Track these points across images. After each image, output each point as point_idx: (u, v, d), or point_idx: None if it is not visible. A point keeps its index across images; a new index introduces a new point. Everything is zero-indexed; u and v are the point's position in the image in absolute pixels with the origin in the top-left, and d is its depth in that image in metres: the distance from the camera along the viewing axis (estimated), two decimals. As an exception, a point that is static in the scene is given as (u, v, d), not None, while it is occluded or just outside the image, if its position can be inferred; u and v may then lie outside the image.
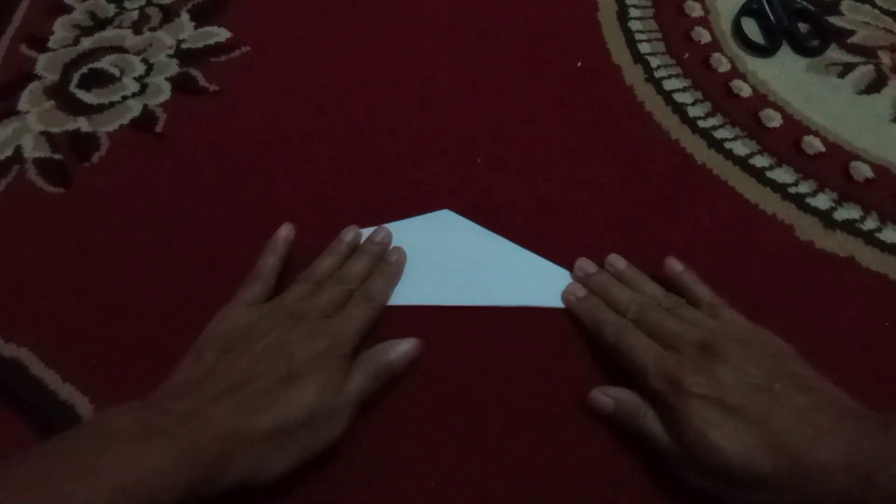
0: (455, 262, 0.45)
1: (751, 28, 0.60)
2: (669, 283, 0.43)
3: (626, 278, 0.43)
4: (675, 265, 0.43)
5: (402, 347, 0.39)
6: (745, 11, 0.61)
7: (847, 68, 0.57)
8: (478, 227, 0.47)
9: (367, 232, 0.46)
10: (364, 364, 0.37)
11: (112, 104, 0.54)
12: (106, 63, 0.57)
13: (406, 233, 0.46)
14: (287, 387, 0.34)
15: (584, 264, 0.44)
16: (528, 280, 0.45)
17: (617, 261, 0.44)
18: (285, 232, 0.44)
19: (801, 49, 0.58)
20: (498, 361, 0.42)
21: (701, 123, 0.53)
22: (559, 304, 0.43)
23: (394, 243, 0.46)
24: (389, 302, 0.43)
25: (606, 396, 0.38)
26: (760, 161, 0.51)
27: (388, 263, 0.44)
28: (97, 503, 0.27)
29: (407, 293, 0.44)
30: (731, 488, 0.33)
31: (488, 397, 0.40)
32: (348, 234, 0.45)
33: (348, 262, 0.43)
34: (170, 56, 0.58)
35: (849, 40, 0.59)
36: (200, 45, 0.59)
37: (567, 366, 0.41)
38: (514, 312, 0.43)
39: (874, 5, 0.62)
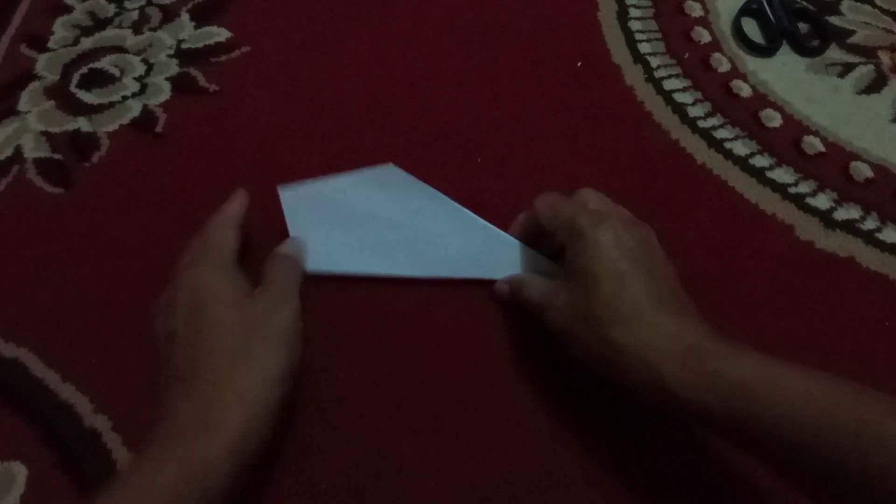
0: (399, 226, 0.44)
1: (751, 28, 0.60)
2: None
3: None
4: None
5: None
6: (745, 11, 0.61)
7: (847, 68, 0.57)
8: (426, 185, 0.45)
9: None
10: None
11: (112, 104, 0.54)
12: (106, 63, 0.57)
13: (346, 190, 0.45)
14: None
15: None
16: (479, 250, 0.44)
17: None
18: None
19: (801, 49, 0.58)
20: (497, 359, 0.42)
21: (701, 123, 0.53)
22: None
23: (332, 201, 0.45)
24: (321, 268, 0.43)
25: (504, 282, 0.42)
26: (760, 161, 0.51)
27: None
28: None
29: (343, 259, 0.43)
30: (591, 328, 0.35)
31: (488, 396, 0.40)
32: None
33: None
34: (170, 56, 0.58)
35: (849, 40, 0.59)
36: (200, 45, 0.59)
37: (567, 365, 0.41)
38: (517, 312, 0.43)
39: (874, 5, 0.62)
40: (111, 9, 0.62)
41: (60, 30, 0.60)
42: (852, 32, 0.59)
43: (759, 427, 0.29)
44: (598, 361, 0.35)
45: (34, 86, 0.56)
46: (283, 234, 0.47)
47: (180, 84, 0.56)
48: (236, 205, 0.43)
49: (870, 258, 0.46)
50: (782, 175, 0.50)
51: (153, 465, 0.31)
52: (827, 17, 0.60)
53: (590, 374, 0.37)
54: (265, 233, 0.47)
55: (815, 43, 0.58)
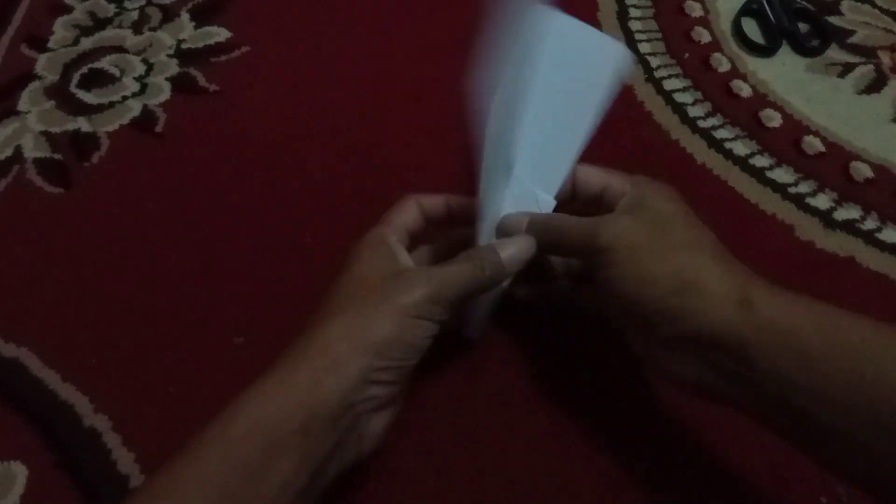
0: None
1: (751, 28, 0.60)
2: None
3: None
4: None
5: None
6: (745, 11, 0.61)
7: (847, 68, 0.57)
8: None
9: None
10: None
11: (112, 104, 0.54)
12: (106, 63, 0.57)
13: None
14: None
15: None
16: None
17: None
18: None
19: (801, 49, 0.58)
20: (499, 359, 0.42)
21: (701, 123, 0.53)
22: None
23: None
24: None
25: (519, 215, 0.38)
26: (760, 161, 0.51)
27: None
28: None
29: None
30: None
31: (488, 396, 0.40)
32: None
33: None
34: (170, 56, 0.58)
35: (849, 40, 0.59)
36: (200, 45, 0.59)
37: (567, 364, 0.41)
38: (513, 311, 0.43)
39: (874, 5, 0.62)
40: (111, 9, 0.62)
41: (60, 30, 0.60)
42: (852, 32, 0.59)
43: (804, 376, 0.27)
44: (662, 296, 0.31)
45: (34, 86, 0.56)
46: (284, 236, 0.47)
47: (180, 84, 0.56)
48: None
49: (870, 258, 0.46)
50: (782, 175, 0.50)
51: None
52: (827, 17, 0.60)
53: (620, 328, 0.35)
54: (266, 233, 0.47)
55: (815, 43, 0.58)
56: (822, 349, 0.28)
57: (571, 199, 0.39)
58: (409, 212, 0.38)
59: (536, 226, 0.37)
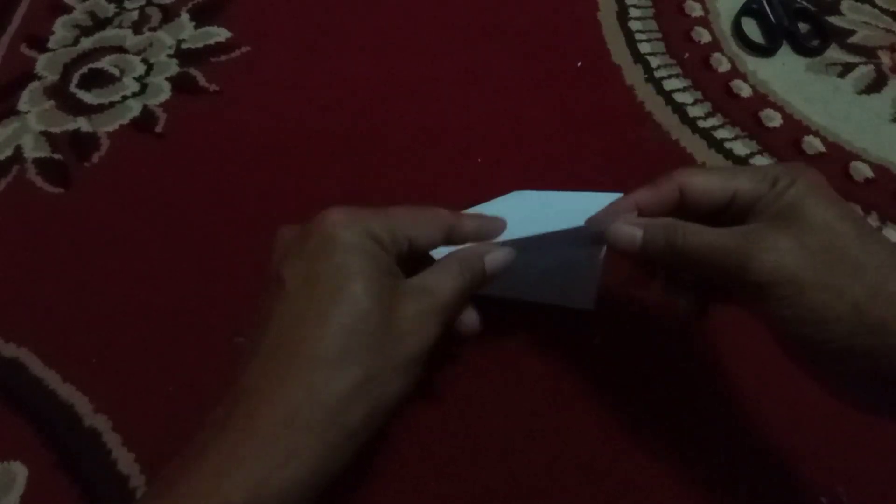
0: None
1: (751, 28, 0.60)
2: None
3: None
4: None
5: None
6: (745, 11, 0.61)
7: (847, 68, 0.57)
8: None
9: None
10: None
11: (112, 104, 0.54)
12: (106, 63, 0.57)
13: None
14: None
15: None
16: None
17: None
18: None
19: (801, 49, 0.58)
20: (498, 360, 0.42)
21: (701, 123, 0.53)
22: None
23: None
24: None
25: (631, 226, 0.31)
26: (760, 161, 0.51)
27: None
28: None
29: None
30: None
31: (488, 396, 0.40)
32: None
33: None
34: (170, 56, 0.58)
35: (849, 40, 0.59)
36: (200, 45, 0.59)
37: (568, 365, 0.41)
38: (515, 310, 0.43)
39: (874, 5, 0.62)
40: (111, 9, 0.62)
41: (60, 30, 0.60)
42: (852, 32, 0.59)
43: None
44: (840, 338, 0.26)
45: (34, 86, 0.56)
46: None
47: (180, 84, 0.56)
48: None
49: (870, 258, 0.46)
50: (782, 175, 0.50)
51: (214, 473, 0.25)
52: (827, 17, 0.60)
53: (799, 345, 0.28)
54: (266, 233, 0.47)
55: (815, 43, 0.58)
56: None
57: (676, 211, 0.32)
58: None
59: (656, 243, 0.31)
